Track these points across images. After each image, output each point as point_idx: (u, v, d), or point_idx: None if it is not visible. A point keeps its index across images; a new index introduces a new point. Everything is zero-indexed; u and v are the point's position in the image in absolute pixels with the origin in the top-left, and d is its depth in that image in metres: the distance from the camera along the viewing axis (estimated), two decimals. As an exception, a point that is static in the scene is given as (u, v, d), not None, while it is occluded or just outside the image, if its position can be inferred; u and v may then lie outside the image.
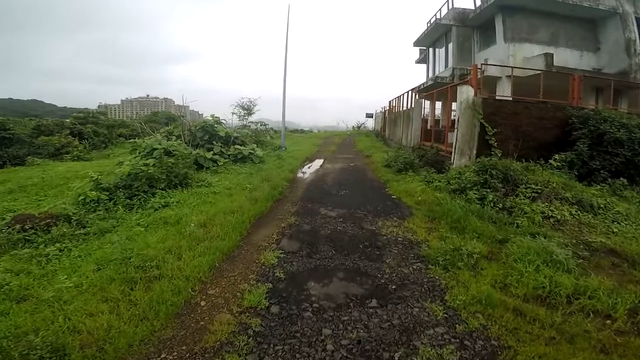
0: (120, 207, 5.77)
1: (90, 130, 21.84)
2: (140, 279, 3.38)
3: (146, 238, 4.38)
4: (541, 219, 5.41)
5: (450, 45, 17.95)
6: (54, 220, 5.31)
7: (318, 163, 12.03)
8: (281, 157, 12.01)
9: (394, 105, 22.27)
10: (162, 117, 31.46)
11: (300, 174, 9.83)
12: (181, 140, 9.93)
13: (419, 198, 6.55)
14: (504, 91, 12.89)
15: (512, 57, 13.51)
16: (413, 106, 14.55)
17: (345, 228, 4.96)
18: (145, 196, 6.08)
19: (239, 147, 10.12)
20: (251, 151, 10.30)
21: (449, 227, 4.96)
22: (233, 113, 23.98)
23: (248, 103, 24.03)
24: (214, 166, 8.96)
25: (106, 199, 5.97)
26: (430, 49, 22.18)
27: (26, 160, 13.93)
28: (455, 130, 9.01)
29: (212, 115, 11.70)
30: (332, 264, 3.84)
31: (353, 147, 19.03)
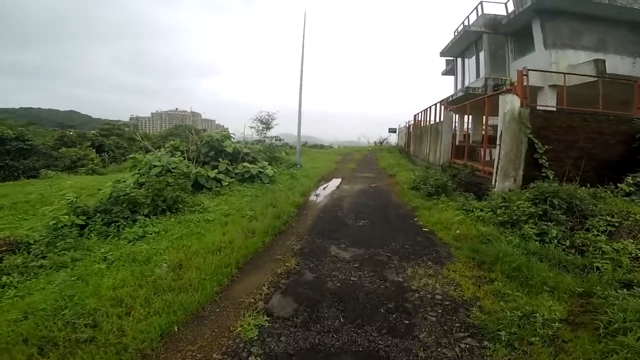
0: (93, 235, 4.87)
1: (112, 143, 21.95)
2: (63, 340, 2.43)
3: (100, 280, 3.41)
4: (629, 261, 4.04)
5: (482, 54, 16.76)
6: (13, 248, 4.51)
7: (335, 183, 10.82)
8: (294, 176, 10.94)
9: (419, 119, 20.94)
10: (184, 130, 31.56)
11: (313, 197, 8.61)
12: (185, 157, 9.12)
13: (457, 232, 5.19)
14: (547, 102, 11.47)
15: (554, 64, 12.03)
16: (442, 119, 13.19)
17: (361, 279, 3.67)
18: (125, 223, 5.15)
19: (247, 165, 9.15)
20: (261, 170, 9.30)
21: (505, 277, 3.61)
22: (251, 127, 23.55)
23: (267, 117, 23.53)
24: (217, 186, 8.02)
25: (82, 224, 5.11)
26: (459, 59, 21.04)
27: (40, 173, 13.74)
28: (498, 147, 7.61)
29: (222, 130, 10.94)
30: (337, 343, 2.58)
31: (375, 164, 17.72)
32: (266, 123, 23.96)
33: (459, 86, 20.61)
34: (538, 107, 8.37)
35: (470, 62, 18.86)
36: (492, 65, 16.12)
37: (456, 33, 17.72)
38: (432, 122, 16.04)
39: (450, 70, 24.85)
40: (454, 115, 13.18)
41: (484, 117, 9.92)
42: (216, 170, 8.50)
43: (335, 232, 5.36)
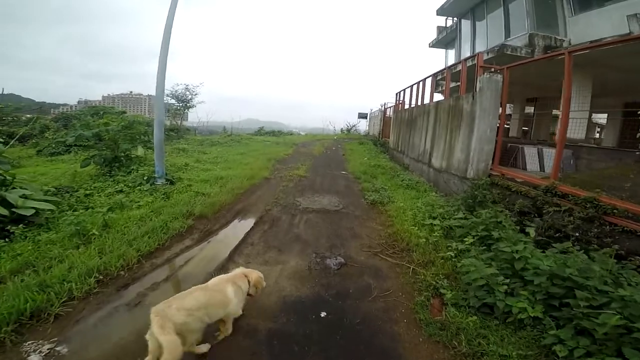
0: None
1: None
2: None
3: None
4: None
5: (516, 4, 10.87)
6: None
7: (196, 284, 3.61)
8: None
9: (406, 98, 14.26)
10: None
11: None
12: None
13: None
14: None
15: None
16: (481, 87, 6.43)
17: None
18: None
19: None
20: None
21: None
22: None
23: (183, 91, 15.76)
24: None
25: None
26: (464, 21, 14.94)
27: None
28: None
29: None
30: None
31: (341, 166, 10.59)
32: (184, 100, 16.14)
33: (466, 54, 14.39)
34: None
35: (491, 20, 12.79)
36: (538, 19, 10.15)
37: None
38: (440, 101, 9.34)
39: (444, 40, 18.63)
40: (501, 80, 6.45)
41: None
42: None
43: None
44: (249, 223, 4.43)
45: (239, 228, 4.24)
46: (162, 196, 4.94)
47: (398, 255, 3.74)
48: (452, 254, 3.55)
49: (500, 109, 6.46)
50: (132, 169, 5.85)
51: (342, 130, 33.20)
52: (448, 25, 17.55)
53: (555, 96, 12.91)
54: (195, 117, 21.08)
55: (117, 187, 5.24)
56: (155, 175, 5.43)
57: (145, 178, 5.42)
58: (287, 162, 10.53)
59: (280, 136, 25.26)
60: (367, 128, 31.40)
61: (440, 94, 13.35)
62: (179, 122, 16.30)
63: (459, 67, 9.46)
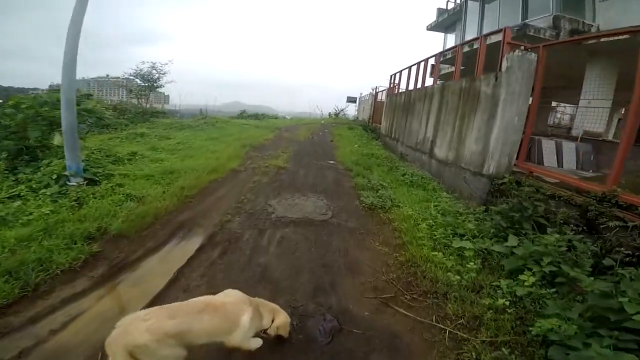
0: None
1: None
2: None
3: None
4: None
5: None
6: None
7: None
8: None
9: (398, 82, 12.89)
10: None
11: None
12: None
13: None
14: None
15: None
16: (509, 66, 5.08)
17: None
18: None
19: None
20: None
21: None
22: (121, 86, 14.34)
23: (150, 70, 13.77)
24: None
25: None
26: (472, 2, 13.69)
27: None
28: None
29: None
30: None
31: (329, 155, 9.12)
32: (150, 80, 14.14)
33: (472, 35, 13.16)
34: None
35: (504, 1, 11.68)
36: (564, 1, 9.14)
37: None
38: (448, 82, 7.97)
39: (444, 23, 17.36)
40: (535, 62, 5.12)
41: None
42: None
43: None
44: (191, 246, 2.97)
45: (174, 256, 2.79)
46: (73, 203, 3.41)
47: (420, 303, 2.40)
48: (506, 302, 2.26)
49: (532, 94, 5.17)
50: (43, 165, 4.23)
51: (329, 114, 31.53)
52: (450, 8, 16.17)
53: (555, 86, 11.82)
54: (177, 99, 19.67)
55: (14, 190, 3.65)
56: (67, 173, 3.85)
57: (54, 177, 3.83)
58: (265, 148, 8.96)
59: (263, 119, 23.40)
60: (356, 113, 29.96)
61: (440, 81, 12.15)
62: (145, 103, 14.32)
63: (468, 47, 8.11)
